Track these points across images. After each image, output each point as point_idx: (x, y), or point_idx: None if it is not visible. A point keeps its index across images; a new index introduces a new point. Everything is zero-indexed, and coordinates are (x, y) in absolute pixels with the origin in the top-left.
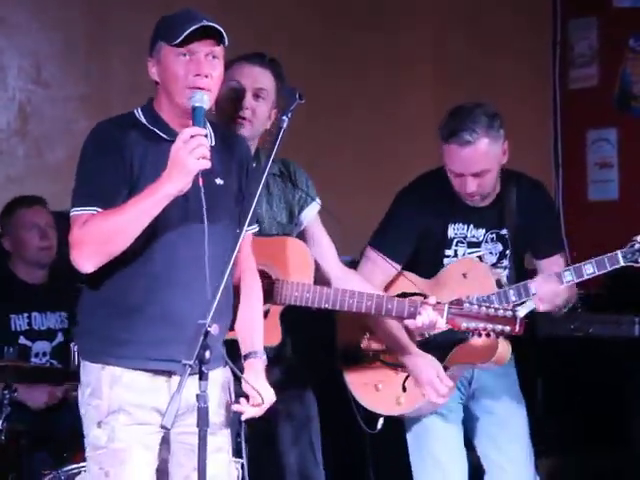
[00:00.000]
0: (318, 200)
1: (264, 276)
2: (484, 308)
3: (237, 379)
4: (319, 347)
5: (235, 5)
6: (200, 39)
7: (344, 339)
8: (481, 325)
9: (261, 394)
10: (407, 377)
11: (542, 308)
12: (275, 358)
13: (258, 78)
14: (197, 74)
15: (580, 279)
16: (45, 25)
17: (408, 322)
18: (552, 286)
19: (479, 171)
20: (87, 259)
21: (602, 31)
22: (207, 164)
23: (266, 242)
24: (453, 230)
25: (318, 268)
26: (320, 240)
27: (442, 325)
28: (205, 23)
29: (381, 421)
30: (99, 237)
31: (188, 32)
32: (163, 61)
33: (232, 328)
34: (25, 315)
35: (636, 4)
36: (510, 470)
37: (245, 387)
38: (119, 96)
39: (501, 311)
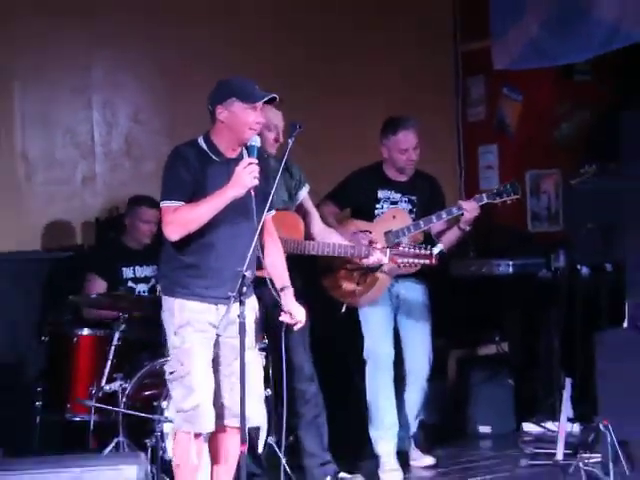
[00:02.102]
0: (307, 184)
1: None
2: (412, 249)
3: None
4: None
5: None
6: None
7: (322, 262)
8: (410, 260)
9: (299, 312)
10: (360, 277)
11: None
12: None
13: None
14: (258, 122)
15: (461, 211)
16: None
17: (363, 260)
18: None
19: (417, 143)
20: (176, 233)
21: (487, 84)
22: (256, 182)
23: (274, 215)
24: (381, 193)
25: (309, 227)
26: (310, 210)
27: (385, 262)
28: (274, 95)
29: (345, 306)
30: (185, 220)
31: (267, 99)
32: (235, 111)
33: (259, 268)
34: (131, 267)
35: (509, 67)
36: (418, 348)
37: (287, 309)
38: (187, 129)
39: (423, 250)
